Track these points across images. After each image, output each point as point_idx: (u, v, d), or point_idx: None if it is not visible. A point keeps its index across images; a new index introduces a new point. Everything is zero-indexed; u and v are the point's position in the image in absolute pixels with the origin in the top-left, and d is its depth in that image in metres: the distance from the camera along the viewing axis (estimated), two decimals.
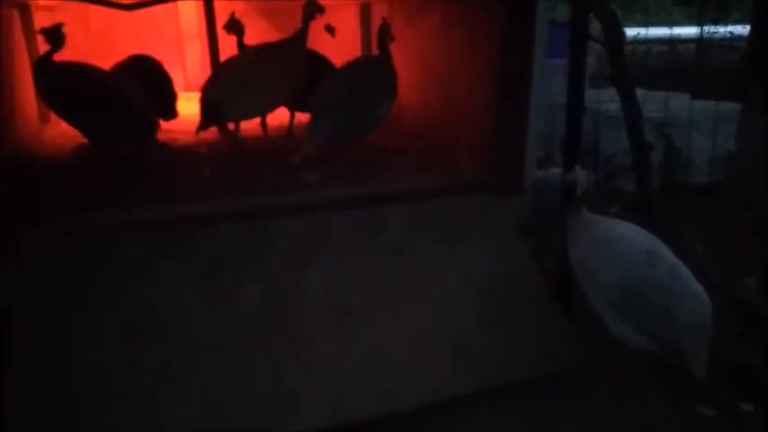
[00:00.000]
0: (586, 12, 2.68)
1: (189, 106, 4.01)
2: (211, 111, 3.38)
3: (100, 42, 4.32)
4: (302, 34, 3.62)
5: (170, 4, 4.20)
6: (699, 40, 7.81)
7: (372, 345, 2.19)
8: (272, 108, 3.66)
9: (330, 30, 4.11)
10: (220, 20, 3.88)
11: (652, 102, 4.55)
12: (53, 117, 3.86)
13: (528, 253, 2.63)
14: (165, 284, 2.24)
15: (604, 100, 4.69)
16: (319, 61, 3.89)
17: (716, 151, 4.67)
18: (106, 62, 3.71)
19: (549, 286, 2.59)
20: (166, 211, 2.55)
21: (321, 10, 3.61)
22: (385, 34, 3.45)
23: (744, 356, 2.46)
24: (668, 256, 2.21)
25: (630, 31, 6.55)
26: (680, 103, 4.82)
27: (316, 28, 4.18)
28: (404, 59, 3.97)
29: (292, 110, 3.90)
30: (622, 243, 2.26)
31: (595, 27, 3.56)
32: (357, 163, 3.18)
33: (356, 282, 2.34)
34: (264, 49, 3.59)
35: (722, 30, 8.12)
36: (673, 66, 7.62)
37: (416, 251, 2.49)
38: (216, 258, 2.34)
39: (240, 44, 3.74)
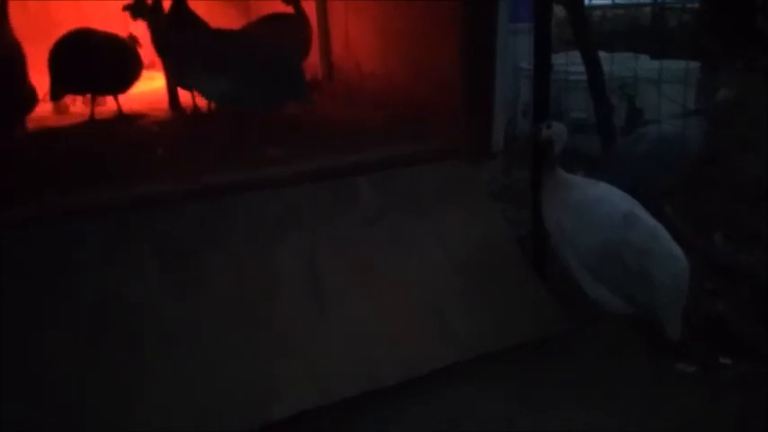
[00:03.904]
0: None
1: (141, 83, 3.85)
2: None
3: (38, 23, 4.08)
4: (299, 10, 3.84)
5: None
6: (654, 3, 7.87)
7: (350, 322, 2.12)
8: None
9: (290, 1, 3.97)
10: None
11: (610, 63, 4.53)
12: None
13: (502, 220, 2.58)
14: (129, 271, 2.12)
15: (560, 63, 4.64)
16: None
17: (675, 109, 4.69)
18: (46, 43, 3.51)
19: (523, 250, 2.56)
20: (125, 192, 2.40)
21: None
22: None
23: (718, 311, 2.47)
24: (646, 217, 2.19)
25: None
26: (640, 63, 4.80)
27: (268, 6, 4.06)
28: (361, 24, 3.85)
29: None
30: (599, 205, 2.22)
31: None
32: (321, 135, 3.07)
33: (329, 258, 2.26)
34: (270, 22, 3.78)
35: None
36: (630, 29, 7.64)
37: (389, 223, 2.41)
38: (181, 240, 2.22)
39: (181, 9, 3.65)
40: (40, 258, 2.10)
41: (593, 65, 3.75)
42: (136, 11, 3.41)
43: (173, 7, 3.67)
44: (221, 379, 1.95)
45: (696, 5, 8.19)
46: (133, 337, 1.99)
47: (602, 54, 3.95)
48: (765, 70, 5.63)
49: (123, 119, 3.75)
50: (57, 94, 3.60)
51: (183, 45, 3.24)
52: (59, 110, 3.95)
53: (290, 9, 3.91)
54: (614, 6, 8.89)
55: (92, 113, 3.71)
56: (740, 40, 6.51)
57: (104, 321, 2.01)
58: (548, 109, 2.55)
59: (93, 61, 3.44)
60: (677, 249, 2.12)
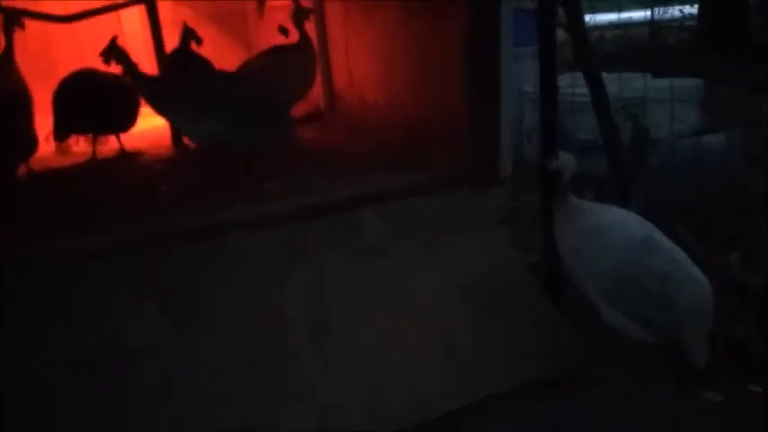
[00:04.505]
0: None
1: (142, 121, 3.83)
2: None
3: (39, 61, 4.08)
4: (306, 39, 3.77)
5: (113, 16, 4.02)
6: (651, 22, 7.88)
7: (357, 363, 2.04)
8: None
9: (284, 31, 3.97)
10: (165, 29, 3.72)
11: (612, 83, 4.50)
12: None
13: (512, 247, 2.50)
14: (127, 315, 2.05)
15: (565, 85, 4.62)
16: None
17: (680, 128, 4.64)
18: (47, 81, 3.50)
19: (536, 276, 2.48)
20: (123, 234, 2.36)
21: (308, 12, 3.75)
22: (301, 16, 3.48)
23: (739, 335, 2.37)
24: (664, 241, 2.13)
25: None
26: (640, 82, 4.77)
27: (270, 30, 4.04)
28: (363, 55, 3.83)
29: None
30: (615, 230, 2.17)
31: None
32: (322, 166, 3.03)
33: (335, 294, 2.18)
34: (277, 53, 3.70)
35: (671, 11, 8.22)
36: (629, 48, 7.64)
37: (396, 256, 2.34)
38: (181, 282, 2.15)
39: (185, 51, 3.61)
40: (39, 302, 2.04)
41: (596, 86, 3.71)
42: (107, 56, 3.39)
43: (178, 49, 3.67)
44: (224, 423, 1.87)
45: (693, 23, 8.22)
46: (133, 381, 1.92)
47: (605, 75, 3.93)
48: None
49: (125, 157, 3.73)
50: (61, 135, 3.59)
51: (168, 87, 3.20)
52: (62, 150, 3.92)
53: (293, 38, 3.91)
54: (612, 27, 8.92)
55: (94, 153, 3.68)
56: (738, 54, 6.50)
57: (104, 365, 1.95)
58: (555, 139, 2.51)
59: (97, 102, 3.42)
60: (699, 273, 2.06)
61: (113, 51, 3.29)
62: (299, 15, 3.64)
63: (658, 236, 2.13)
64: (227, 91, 3.10)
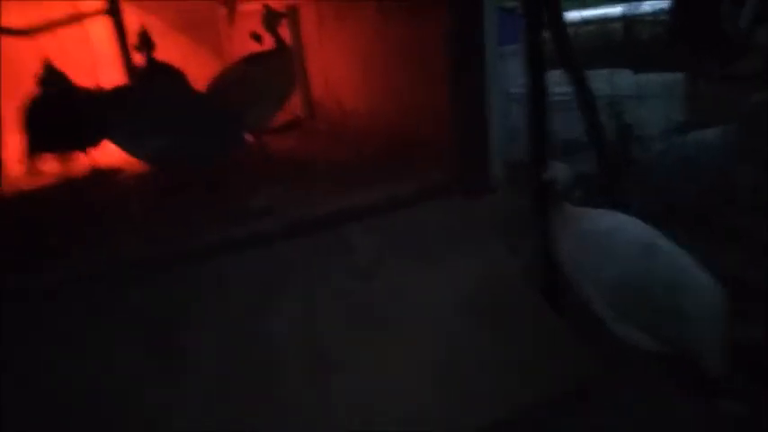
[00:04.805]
0: None
1: None
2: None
3: (3, 75, 3.87)
4: (282, 43, 3.56)
5: (80, 28, 3.84)
6: (625, 18, 7.88)
7: (356, 394, 1.91)
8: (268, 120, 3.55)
9: (257, 37, 3.82)
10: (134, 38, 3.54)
11: (594, 80, 4.44)
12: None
13: (508, 255, 2.39)
14: (107, 350, 1.90)
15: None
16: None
17: (663, 123, 4.60)
18: (14, 96, 3.30)
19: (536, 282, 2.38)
20: (99, 261, 2.18)
21: (281, 16, 3.56)
22: (273, 21, 3.34)
23: (752, 338, 2.27)
24: (667, 245, 2.03)
25: None
26: (622, 78, 4.73)
27: (243, 36, 3.88)
28: (339, 59, 3.69)
29: None
30: (615, 236, 2.08)
31: None
32: (306, 178, 2.88)
33: (328, 320, 2.05)
34: (252, 61, 3.48)
35: (644, 5, 8.22)
36: (604, 44, 7.62)
37: (388, 274, 2.22)
38: (163, 311, 2.00)
39: (150, 60, 3.42)
40: (15, 336, 1.86)
41: (580, 84, 3.62)
42: (43, 82, 3.21)
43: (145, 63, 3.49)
44: None
45: (666, 18, 8.23)
46: (111, 425, 1.78)
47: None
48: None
49: (99, 175, 3.51)
50: (34, 154, 3.37)
51: (104, 104, 3.02)
52: (32, 170, 3.71)
53: (268, 45, 3.75)
54: (585, 23, 8.91)
55: (65, 172, 3.46)
56: (711, 49, 6.51)
57: (78, 407, 1.80)
58: (545, 144, 2.41)
59: (71, 117, 3.22)
60: (706, 278, 1.96)
61: (49, 74, 3.17)
62: (271, 20, 3.46)
63: (661, 240, 2.04)
64: (168, 104, 2.90)
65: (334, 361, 1.97)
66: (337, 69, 3.76)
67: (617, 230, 2.08)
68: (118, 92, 3.09)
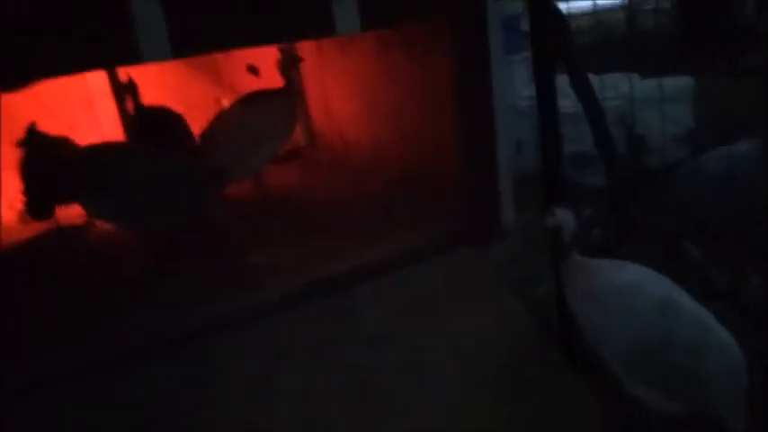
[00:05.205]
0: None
1: None
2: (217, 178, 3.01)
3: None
4: (291, 85, 3.39)
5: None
6: (626, 8, 7.67)
7: None
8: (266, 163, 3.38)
9: (253, 70, 3.73)
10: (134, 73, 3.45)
11: (600, 87, 4.31)
12: None
13: (522, 310, 2.30)
14: None
15: None
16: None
17: (673, 130, 4.47)
18: (7, 137, 3.25)
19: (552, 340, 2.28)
20: (79, 353, 2.06)
21: (299, 60, 3.40)
22: (290, 63, 3.20)
23: None
24: (685, 301, 1.94)
25: None
26: (627, 83, 4.58)
27: (238, 69, 3.80)
28: (342, 88, 3.60)
29: None
30: (629, 293, 1.97)
31: None
32: (309, 225, 2.79)
33: (334, 400, 1.95)
34: (254, 102, 3.30)
35: None
36: (607, 41, 7.43)
37: (397, 341, 2.13)
38: (152, 402, 1.90)
39: (136, 104, 3.34)
40: None
41: (586, 91, 3.48)
42: (25, 144, 3.17)
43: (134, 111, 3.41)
44: None
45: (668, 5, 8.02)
46: None
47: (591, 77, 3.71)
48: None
49: (92, 224, 3.43)
50: (35, 211, 3.31)
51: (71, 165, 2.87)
52: (24, 219, 3.66)
53: (275, 82, 3.64)
54: (583, 15, 8.73)
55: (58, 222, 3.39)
56: (720, 39, 6.33)
57: None
58: (558, 185, 2.30)
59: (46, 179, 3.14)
60: (728, 336, 1.87)
61: (32, 137, 3.15)
62: (288, 63, 3.29)
63: (679, 295, 1.95)
64: (131, 166, 2.73)
65: None
66: (338, 99, 3.68)
67: (632, 287, 1.98)
68: (87, 152, 2.94)
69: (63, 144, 3.22)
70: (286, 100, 3.29)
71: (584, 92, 3.48)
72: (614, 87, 4.30)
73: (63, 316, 2.30)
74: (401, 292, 2.24)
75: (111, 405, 1.88)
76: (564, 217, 2.06)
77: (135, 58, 1.88)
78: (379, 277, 2.25)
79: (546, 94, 2.27)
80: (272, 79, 4.10)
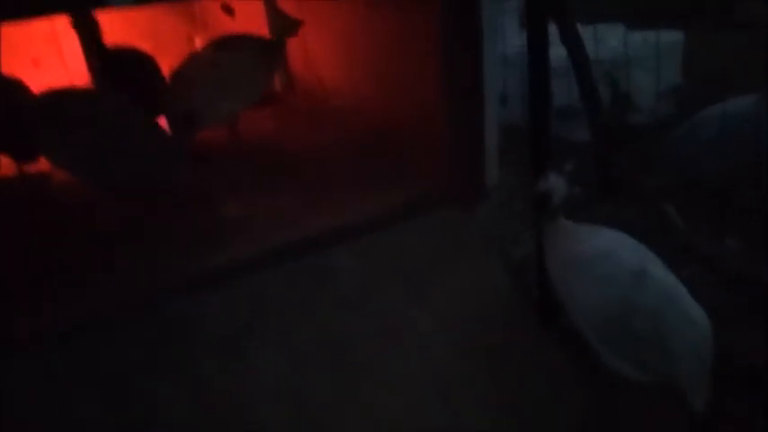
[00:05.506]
0: None
1: None
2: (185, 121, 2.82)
3: None
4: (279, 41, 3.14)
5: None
6: None
7: None
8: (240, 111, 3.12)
9: (228, 10, 3.52)
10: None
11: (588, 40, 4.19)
12: None
13: (505, 276, 2.25)
14: (60, 417, 1.73)
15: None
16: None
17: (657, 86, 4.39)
18: None
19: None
20: (37, 321, 1.96)
21: (296, 25, 3.08)
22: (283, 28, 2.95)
23: (745, 354, 2.18)
24: (659, 273, 1.93)
25: None
26: (616, 40, 4.46)
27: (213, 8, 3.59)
28: (321, 32, 3.41)
29: None
30: (605, 260, 1.96)
31: None
32: (286, 177, 2.67)
33: (311, 365, 1.91)
34: (232, 46, 3.03)
35: None
36: None
37: (377, 306, 2.08)
38: (124, 368, 1.83)
39: (98, 44, 3.11)
40: None
41: (576, 43, 3.37)
42: None
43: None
44: None
45: None
46: None
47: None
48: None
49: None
50: None
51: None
52: None
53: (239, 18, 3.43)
54: None
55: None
56: None
57: None
58: (548, 147, 2.23)
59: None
60: (697, 311, 1.87)
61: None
62: (283, 29, 3.05)
63: (653, 266, 1.94)
64: (94, 116, 2.52)
65: (313, 415, 1.84)
66: (317, 43, 3.49)
67: (606, 255, 1.97)
68: (50, 99, 2.68)
69: (14, 87, 2.99)
70: (268, 50, 3.08)
71: (574, 43, 3.38)
72: (602, 40, 4.20)
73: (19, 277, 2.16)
74: (379, 255, 2.18)
75: (75, 374, 1.80)
76: (556, 183, 2.04)
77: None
78: (357, 239, 2.17)
79: (538, 45, 2.16)
80: (248, 22, 3.92)
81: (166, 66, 3.27)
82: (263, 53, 3.02)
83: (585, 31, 4.32)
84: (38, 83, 2.98)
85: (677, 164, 3.15)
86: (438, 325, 2.07)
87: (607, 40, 4.35)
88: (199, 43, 3.91)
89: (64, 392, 1.76)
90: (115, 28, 3.41)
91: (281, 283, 2.04)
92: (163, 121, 2.91)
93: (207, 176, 2.70)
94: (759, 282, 2.43)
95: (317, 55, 3.56)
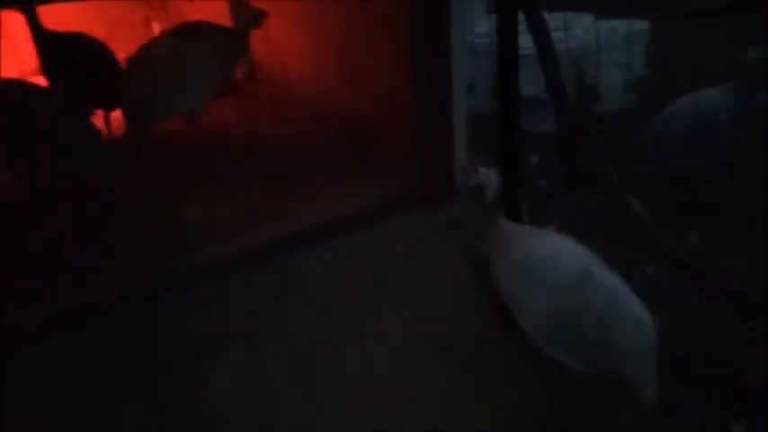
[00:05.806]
0: None
1: None
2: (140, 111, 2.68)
3: None
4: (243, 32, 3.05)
5: None
6: None
7: None
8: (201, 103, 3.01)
9: None
10: None
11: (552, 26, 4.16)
12: None
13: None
14: (27, 418, 1.68)
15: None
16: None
17: (623, 77, 4.41)
18: None
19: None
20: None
21: (261, 17, 3.01)
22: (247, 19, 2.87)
23: (703, 344, 2.20)
24: (604, 276, 1.92)
25: None
26: (583, 30, 4.44)
27: None
28: (284, 17, 3.31)
29: None
30: (549, 264, 1.96)
31: None
32: (249, 175, 2.58)
33: (277, 371, 1.84)
34: (194, 34, 2.93)
35: None
36: None
37: (344, 310, 2.01)
38: (86, 374, 1.76)
39: (38, 30, 2.94)
40: None
41: (541, 31, 3.32)
42: None
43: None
44: None
45: None
46: None
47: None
48: None
49: None
50: None
51: None
52: None
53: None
54: None
55: None
56: None
57: None
58: (516, 136, 2.18)
59: None
60: (642, 313, 1.87)
61: None
62: (247, 21, 2.96)
63: (598, 269, 1.94)
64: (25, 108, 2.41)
65: (280, 420, 1.78)
66: (279, 29, 3.39)
67: (550, 258, 1.96)
68: None
69: None
70: (231, 40, 2.98)
71: (540, 31, 3.33)
72: (569, 29, 4.17)
73: None
74: (346, 257, 2.13)
75: (41, 379, 1.77)
76: (486, 176, 2.01)
77: None
78: (323, 241, 2.10)
79: (507, 34, 2.10)
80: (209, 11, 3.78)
81: (122, 52, 3.13)
82: (226, 42, 2.92)
83: (553, 18, 4.34)
84: None
85: (653, 166, 3.15)
86: (407, 327, 2.01)
87: (573, 29, 4.33)
88: (157, 29, 3.77)
89: (28, 393, 1.69)
90: (67, 11, 3.26)
91: (245, 291, 1.96)
92: (118, 112, 2.80)
93: (167, 174, 2.59)
94: (720, 275, 2.46)
95: (280, 42, 3.46)
